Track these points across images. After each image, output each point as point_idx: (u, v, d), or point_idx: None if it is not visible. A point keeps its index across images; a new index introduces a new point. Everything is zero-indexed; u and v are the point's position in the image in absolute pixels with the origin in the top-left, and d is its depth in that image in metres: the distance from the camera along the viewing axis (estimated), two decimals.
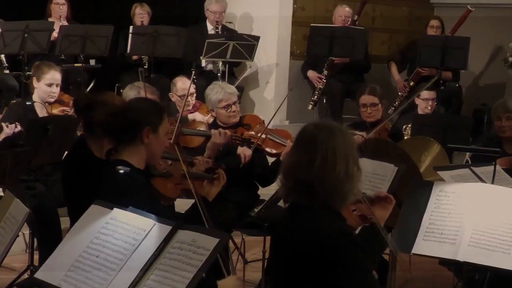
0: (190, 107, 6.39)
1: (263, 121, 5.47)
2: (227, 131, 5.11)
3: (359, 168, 2.86)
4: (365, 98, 6.16)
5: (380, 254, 3.43)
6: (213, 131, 5.06)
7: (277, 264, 2.93)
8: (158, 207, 3.31)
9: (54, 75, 5.87)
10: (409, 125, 6.53)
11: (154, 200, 3.43)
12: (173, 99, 6.48)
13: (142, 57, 7.74)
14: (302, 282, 2.77)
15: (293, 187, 2.83)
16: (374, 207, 3.08)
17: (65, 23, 7.63)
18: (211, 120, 5.67)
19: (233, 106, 5.31)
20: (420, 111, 7.02)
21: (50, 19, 7.67)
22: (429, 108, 6.97)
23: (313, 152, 2.78)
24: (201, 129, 5.42)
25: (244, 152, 5.08)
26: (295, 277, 2.79)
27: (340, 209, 2.87)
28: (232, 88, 5.42)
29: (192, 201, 3.83)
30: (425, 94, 7.02)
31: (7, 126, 5.45)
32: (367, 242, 2.97)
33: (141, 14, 8.10)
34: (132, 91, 5.25)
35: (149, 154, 3.41)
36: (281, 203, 4.63)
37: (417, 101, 7.08)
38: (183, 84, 6.47)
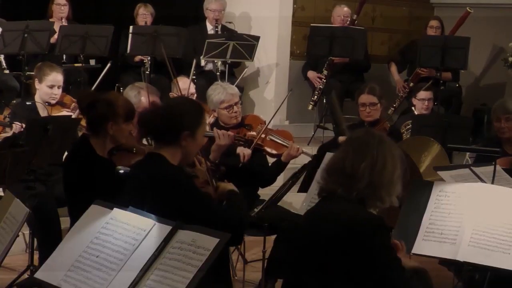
0: None
1: (265, 121, 5.47)
2: (230, 132, 5.10)
3: (401, 182, 2.99)
4: (364, 98, 6.16)
5: None
6: (215, 132, 5.05)
7: (307, 254, 2.97)
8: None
9: (55, 77, 5.83)
10: (408, 122, 6.53)
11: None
12: None
13: (144, 61, 7.73)
14: (334, 267, 2.85)
15: (335, 180, 2.94)
16: None
17: (66, 24, 7.62)
18: (212, 120, 5.67)
19: (234, 107, 5.31)
20: (417, 112, 7.03)
21: (51, 20, 7.67)
22: (425, 108, 6.99)
23: (362, 152, 2.93)
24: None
25: (244, 151, 5.09)
26: (327, 263, 2.87)
27: (371, 209, 2.97)
28: (234, 89, 5.42)
29: None
30: (421, 94, 7.04)
31: (15, 127, 5.47)
32: None
33: (144, 15, 8.10)
34: (132, 91, 5.24)
35: (184, 154, 3.48)
36: (281, 203, 4.64)
37: (414, 101, 7.09)
38: (184, 84, 6.46)
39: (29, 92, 6.16)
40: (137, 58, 7.90)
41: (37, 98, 5.86)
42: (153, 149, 3.51)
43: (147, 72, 7.67)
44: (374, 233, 2.83)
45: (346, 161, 2.92)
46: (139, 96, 5.15)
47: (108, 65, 6.80)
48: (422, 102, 7.00)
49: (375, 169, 2.90)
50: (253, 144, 5.17)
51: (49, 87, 5.81)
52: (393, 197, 2.98)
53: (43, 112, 5.81)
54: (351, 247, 2.82)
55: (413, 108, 7.14)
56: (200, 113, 3.54)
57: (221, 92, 5.30)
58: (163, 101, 3.86)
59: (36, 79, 5.87)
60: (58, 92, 5.86)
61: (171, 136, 3.43)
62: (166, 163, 3.40)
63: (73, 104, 6.02)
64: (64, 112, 5.91)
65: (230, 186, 3.72)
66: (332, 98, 6.77)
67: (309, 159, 4.95)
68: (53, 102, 5.85)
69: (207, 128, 5.41)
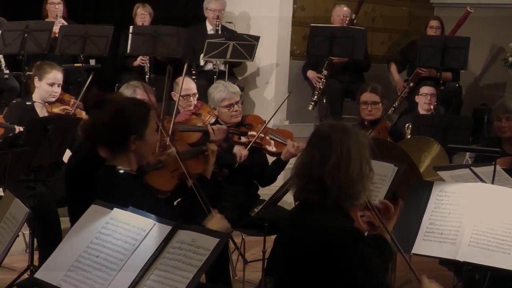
0: (192, 107, 6.37)
1: (265, 121, 5.48)
2: (223, 126, 5.10)
3: (371, 168, 2.89)
4: (366, 96, 6.17)
5: (384, 265, 3.42)
6: (209, 128, 5.06)
7: (284, 262, 2.93)
8: (155, 206, 3.32)
9: (56, 75, 5.86)
10: (411, 124, 6.52)
11: (149, 199, 3.44)
12: (175, 99, 6.47)
13: (143, 65, 7.73)
14: (310, 279, 2.77)
15: (305, 185, 2.85)
16: (382, 217, 3.07)
17: (62, 21, 7.63)
18: (212, 120, 5.67)
19: (235, 105, 5.32)
20: (420, 108, 7.01)
21: (47, 20, 7.67)
22: (428, 103, 6.94)
23: (327, 150, 2.81)
24: (198, 124, 5.43)
25: (240, 151, 5.08)
26: (302, 274, 2.80)
27: (350, 209, 2.88)
28: (235, 88, 5.43)
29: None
30: (424, 89, 7.03)
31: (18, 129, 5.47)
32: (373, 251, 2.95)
33: (142, 15, 8.11)
34: (128, 90, 5.24)
35: (138, 157, 3.43)
36: (281, 203, 4.64)
37: (417, 98, 7.08)
38: (185, 84, 6.45)
39: (29, 92, 6.15)
40: (136, 62, 7.91)
41: (35, 96, 5.86)
42: (108, 160, 3.42)
43: (147, 76, 7.68)
44: (351, 246, 2.73)
45: (313, 164, 2.81)
46: (135, 94, 5.14)
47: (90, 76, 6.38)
48: (425, 97, 6.96)
49: (342, 166, 2.78)
50: (249, 145, 5.17)
51: (49, 84, 5.82)
52: (367, 190, 2.87)
53: (41, 112, 5.81)
54: (329, 259, 2.73)
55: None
56: (144, 112, 3.43)
57: (222, 90, 5.31)
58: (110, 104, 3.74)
59: (36, 77, 5.87)
60: (58, 90, 5.88)
61: (118, 144, 3.36)
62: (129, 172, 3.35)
63: (72, 100, 6.03)
64: (64, 108, 5.91)
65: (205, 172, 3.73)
66: None
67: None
68: (53, 100, 5.87)
69: (201, 123, 5.42)
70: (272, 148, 5.32)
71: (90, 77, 6.06)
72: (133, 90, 5.22)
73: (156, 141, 3.57)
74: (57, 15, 7.71)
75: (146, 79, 7.60)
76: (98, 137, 3.39)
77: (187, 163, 3.72)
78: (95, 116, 3.42)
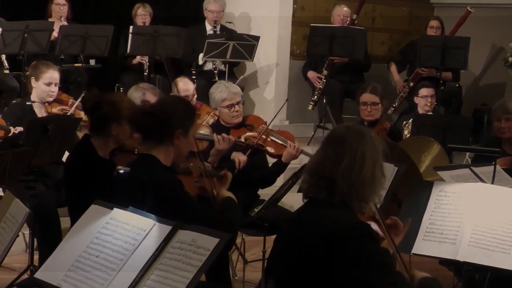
0: None
1: (266, 122, 5.46)
2: (230, 137, 5.07)
3: (384, 174, 2.90)
4: (366, 97, 6.17)
5: None
6: (215, 136, 5.03)
7: (286, 260, 2.92)
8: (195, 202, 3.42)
9: (52, 74, 5.83)
10: (410, 121, 6.52)
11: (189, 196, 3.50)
12: None
13: (142, 62, 7.73)
14: (316, 274, 2.77)
15: (315, 182, 2.86)
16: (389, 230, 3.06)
17: (65, 23, 7.64)
18: (211, 121, 5.66)
19: (236, 106, 5.30)
20: (420, 110, 7.02)
21: (50, 20, 7.68)
22: (429, 105, 6.96)
23: (341, 151, 2.83)
24: (205, 133, 5.41)
25: (239, 157, 5.05)
26: (305, 272, 2.80)
27: (357, 211, 2.88)
28: (236, 88, 5.42)
29: None
30: (423, 91, 7.03)
31: (15, 129, 5.47)
32: None
33: (143, 15, 8.11)
34: (137, 93, 5.24)
35: (176, 154, 3.50)
36: (281, 203, 4.64)
37: (417, 100, 7.08)
38: (184, 85, 6.46)
39: (27, 92, 6.15)
40: (135, 60, 7.91)
41: (33, 97, 5.85)
42: (144, 149, 3.48)
43: (146, 73, 7.67)
44: (358, 241, 2.72)
45: (326, 163, 2.83)
46: (144, 97, 5.14)
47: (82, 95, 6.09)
48: (425, 99, 6.97)
49: (355, 168, 2.80)
50: (249, 151, 5.15)
51: (46, 84, 5.80)
52: (378, 194, 2.89)
53: (40, 112, 5.80)
54: (334, 255, 2.72)
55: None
56: (192, 112, 3.56)
57: (223, 91, 5.30)
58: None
59: (32, 77, 5.85)
60: (55, 89, 5.85)
61: (165, 134, 3.43)
62: (160, 166, 3.40)
63: (70, 100, 6.02)
64: (62, 108, 5.91)
65: (229, 193, 3.74)
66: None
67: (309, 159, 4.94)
68: (50, 99, 5.85)
69: (208, 132, 5.41)
70: (272, 150, 5.31)
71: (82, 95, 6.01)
72: (142, 93, 5.23)
73: (194, 144, 3.62)
74: (61, 17, 7.71)
75: (145, 78, 7.59)
76: (146, 122, 3.44)
77: (205, 179, 3.76)
78: (145, 105, 3.56)
